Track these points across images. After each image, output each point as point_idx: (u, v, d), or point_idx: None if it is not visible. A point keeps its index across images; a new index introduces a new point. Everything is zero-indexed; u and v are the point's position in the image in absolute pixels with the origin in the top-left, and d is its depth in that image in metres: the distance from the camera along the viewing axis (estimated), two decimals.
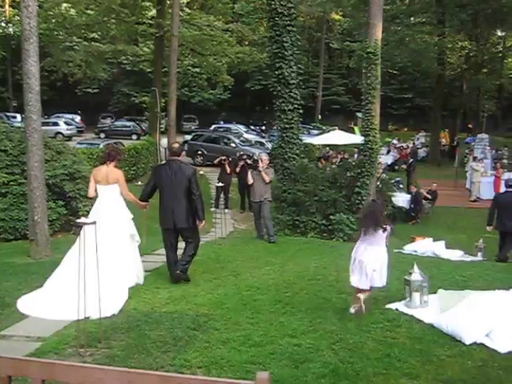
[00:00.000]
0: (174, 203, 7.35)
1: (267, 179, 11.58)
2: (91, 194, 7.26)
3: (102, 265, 5.53)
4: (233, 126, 38.49)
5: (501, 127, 51.57)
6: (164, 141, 20.44)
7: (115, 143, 23.64)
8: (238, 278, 7.87)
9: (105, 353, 5.01)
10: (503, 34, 46.43)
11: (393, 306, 6.30)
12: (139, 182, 12.13)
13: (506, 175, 23.34)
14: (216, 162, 17.15)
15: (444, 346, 5.08)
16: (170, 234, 7.58)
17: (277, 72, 14.10)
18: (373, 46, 13.63)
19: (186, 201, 7.38)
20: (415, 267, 6.27)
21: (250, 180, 11.69)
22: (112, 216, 7.00)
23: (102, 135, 36.68)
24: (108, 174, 7.11)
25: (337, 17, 52.06)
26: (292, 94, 14.31)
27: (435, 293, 6.58)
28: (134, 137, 35.99)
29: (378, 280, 6.11)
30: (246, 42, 38.01)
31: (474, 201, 22.19)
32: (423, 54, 32.61)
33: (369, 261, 6.06)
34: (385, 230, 6.10)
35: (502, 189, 21.63)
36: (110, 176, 7.10)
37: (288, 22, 13.76)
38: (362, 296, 5.97)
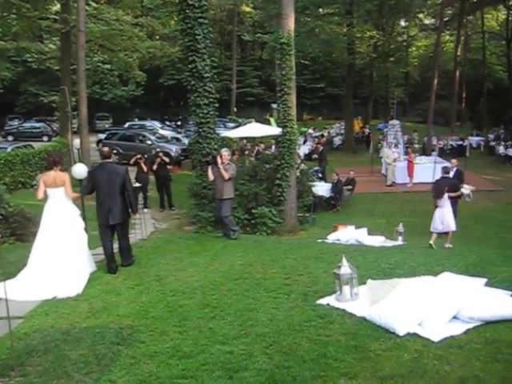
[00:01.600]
0: (110, 202, 8.25)
1: (226, 176, 11.23)
2: (40, 196, 8.01)
3: (63, 252, 7.58)
4: (148, 123, 37.53)
5: (409, 113, 53.65)
6: (77, 141, 19.48)
7: (24, 146, 22.43)
8: (162, 283, 7.51)
9: (19, 382, 4.55)
10: (406, 23, 48.31)
11: (324, 301, 6.18)
12: None
13: (418, 159, 24.27)
14: (132, 161, 16.52)
15: (379, 340, 4.98)
16: (107, 229, 8.41)
17: (190, 66, 13.70)
18: (286, 36, 13.55)
19: (121, 198, 8.30)
20: (343, 260, 6.16)
21: (211, 177, 11.53)
22: (65, 213, 8.00)
23: (10, 138, 34.76)
24: (55, 177, 8.00)
25: (247, 9, 52.03)
26: (206, 87, 13.97)
27: (364, 283, 6.54)
28: (45, 138, 34.33)
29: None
30: (157, 37, 37.13)
31: (390, 185, 22.81)
32: (334, 44, 33.21)
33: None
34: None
35: (416, 172, 22.60)
36: (58, 179, 7.98)
37: (199, 15, 13.37)
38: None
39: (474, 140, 34.11)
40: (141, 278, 7.85)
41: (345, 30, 32.56)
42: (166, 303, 6.53)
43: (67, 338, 5.47)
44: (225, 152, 11.75)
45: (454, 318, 5.28)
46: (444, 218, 11.69)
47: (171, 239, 11.75)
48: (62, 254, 7.60)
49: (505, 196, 21.17)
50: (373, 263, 8.20)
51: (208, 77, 13.90)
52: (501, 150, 31.27)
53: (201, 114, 14.01)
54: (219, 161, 11.35)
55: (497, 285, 6.21)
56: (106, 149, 9.10)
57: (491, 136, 37.22)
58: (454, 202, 13.47)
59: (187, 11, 13.35)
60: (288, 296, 6.52)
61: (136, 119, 42.07)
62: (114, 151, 25.13)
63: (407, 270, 7.48)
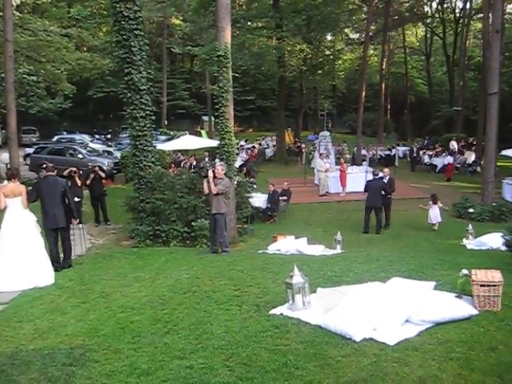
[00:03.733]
0: (54, 208, 9.69)
1: (214, 190, 11.14)
2: (2, 206, 9.09)
3: (26, 251, 8.82)
4: (77, 136, 36.54)
5: (336, 124, 55.07)
6: (5, 156, 18.69)
7: None
8: (109, 299, 7.32)
9: None
10: (333, 38, 49.75)
11: (277, 310, 6.21)
12: None
13: (350, 169, 24.89)
14: (65, 173, 15.96)
15: (337, 347, 5.05)
16: (52, 232, 9.78)
17: (126, 78, 13.49)
18: (223, 48, 13.60)
19: (63, 206, 9.78)
20: (295, 269, 6.22)
21: (205, 190, 11.52)
22: (24, 219, 9.12)
23: None
24: (13, 189, 9.18)
25: (177, 21, 51.92)
26: (143, 100, 13.79)
27: (315, 292, 6.62)
28: None
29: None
30: (85, 48, 36.36)
31: (323, 195, 23.23)
32: (264, 57, 33.65)
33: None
34: None
35: (349, 181, 23.19)
36: (16, 191, 9.16)
37: (135, 26, 13.21)
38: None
39: (400, 150, 35.35)
40: (85, 295, 7.62)
41: (275, 44, 33.05)
42: (115, 320, 6.36)
43: (14, 361, 5.22)
44: (219, 166, 11.67)
45: (407, 321, 5.44)
46: None
47: (111, 254, 11.49)
48: (25, 253, 8.82)
49: None
50: (318, 272, 8.30)
51: (144, 89, 13.74)
52: (426, 159, 32.59)
53: (137, 127, 13.82)
54: (210, 174, 11.25)
55: (441, 288, 6.45)
56: (50, 164, 10.64)
57: (416, 145, 38.75)
58: (387, 205, 16.89)
59: (122, 22, 13.16)
60: (240, 307, 6.50)
61: (64, 132, 40.85)
62: (44, 165, 24.37)
63: (353, 277, 7.64)
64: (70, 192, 10.03)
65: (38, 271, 8.70)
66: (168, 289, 7.69)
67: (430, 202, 17.09)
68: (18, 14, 26.89)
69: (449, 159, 30.05)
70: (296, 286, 6.11)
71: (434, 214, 16.86)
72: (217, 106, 14.29)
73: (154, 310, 6.69)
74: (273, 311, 6.23)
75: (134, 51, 13.34)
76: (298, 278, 6.14)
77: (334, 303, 5.98)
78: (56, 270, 9.21)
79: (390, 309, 5.48)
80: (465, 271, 6.13)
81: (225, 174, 11.74)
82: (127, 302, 7.12)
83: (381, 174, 17.53)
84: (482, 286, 5.72)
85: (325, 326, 5.53)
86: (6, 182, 9.88)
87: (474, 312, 5.60)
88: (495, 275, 5.88)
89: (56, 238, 9.87)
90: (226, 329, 5.78)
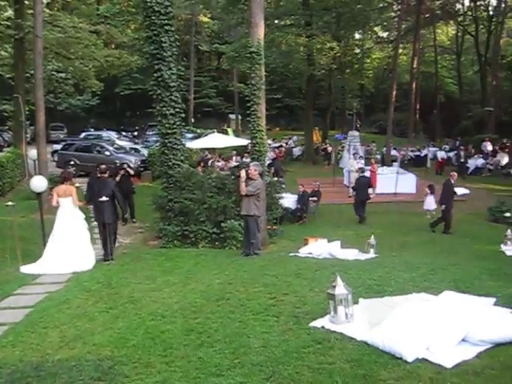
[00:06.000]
0: (104, 206, 10.84)
1: (243, 191, 10.75)
2: (54, 203, 10.56)
3: (74, 240, 10.29)
4: (104, 133, 36.48)
5: (364, 124, 54.34)
6: (33, 152, 18.56)
7: None
8: (138, 305, 6.98)
9: None
10: (362, 36, 49.06)
11: (317, 323, 5.79)
12: (9, 203, 10.68)
13: (380, 169, 24.31)
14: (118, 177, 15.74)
15: (386, 367, 4.61)
16: (101, 227, 11.07)
17: (156, 74, 13.20)
18: (256, 45, 13.18)
19: (112, 204, 11.15)
20: (338, 279, 5.79)
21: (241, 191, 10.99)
22: (73, 216, 10.55)
23: None
24: (65, 190, 10.55)
25: (205, 19, 51.72)
26: (173, 97, 13.49)
27: (357, 303, 6.19)
28: None
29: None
30: (113, 45, 36.34)
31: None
32: (293, 55, 33.20)
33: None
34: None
35: (378, 183, 22.64)
36: (67, 191, 10.53)
37: (166, 22, 12.90)
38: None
39: (431, 151, 34.54)
40: (114, 300, 7.30)
41: (304, 41, 32.56)
42: (145, 329, 6.01)
43: (40, 373, 4.90)
44: (252, 167, 11.23)
45: (463, 340, 4.97)
46: None
47: (139, 255, 11.22)
48: (72, 243, 10.23)
49: (466, 206, 21.38)
50: (357, 280, 7.85)
51: (174, 86, 13.45)
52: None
53: (167, 125, 13.52)
54: (243, 174, 10.87)
55: (501, 303, 5.95)
56: (103, 166, 11.77)
57: (447, 147, 37.93)
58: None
59: (153, 17, 12.86)
60: (277, 318, 6.09)
61: (92, 129, 40.91)
62: (71, 162, 24.35)
63: (396, 287, 7.19)
64: (117, 192, 11.54)
65: (81, 259, 10.12)
66: (200, 295, 7.32)
67: (429, 191, 18.46)
68: (47, 10, 26.84)
69: (481, 161, 29.28)
70: (339, 298, 5.69)
71: (429, 202, 18.37)
72: (248, 104, 13.86)
73: (185, 318, 6.32)
74: (313, 323, 5.81)
75: (164, 47, 13.04)
76: (341, 289, 5.71)
77: (379, 316, 5.55)
78: (105, 260, 10.76)
79: (445, 326, 5.01)
80: None
81: (260, 175, 11.33)
82: (157, 308, 6.77)
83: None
84: None
85: (372, 343, 5.09)
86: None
87: None
88: None
89: (105, 231, 11.02)
90: (264, 342, 5.38)
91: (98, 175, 11.80)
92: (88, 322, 6.39)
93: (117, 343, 5.60)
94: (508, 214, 18.12)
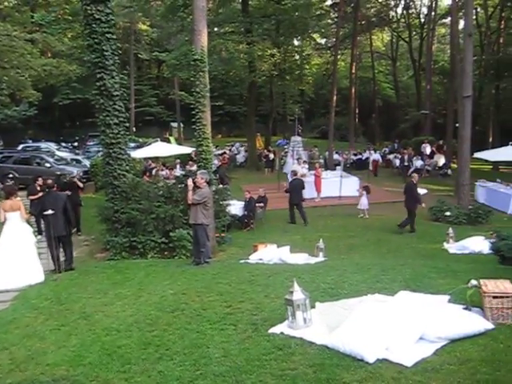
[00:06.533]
0: (56, 219, 10.93)
1: (189, 200, 10.84)
2: (2, 219, 10.40)
3: (21, 254, 10.10)
4: (43, 145, 35.26)
5: (305, 129, 55.07)
6: None
7: None
8: (91, 321, 6.79)
9: None
10: (301, 43, 49.81)
11: (276, 329, 5.79)
12: None
13: (324, 174, 24.65)
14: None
15: (349, 370, 4.66)
16: (55, 240, 10.84)
17: (98, 83, 12.90)
18: (199, 52, 13.13)
19: (64, 217, 11.24)
20: (295, 285, 5.81)
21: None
22: (21, 230, 10.45)
23: None
24: (12, 205, 10.48)
25: (144, 27, 51.15)
26: (116, 106, 13.23)
27: (313, 307, 6.23)
28: None
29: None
30: (49, 54, 35.35)
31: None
32: (234, 61, 33.30)
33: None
34: None
35: (323, 187, 22.96)
36: (14, 206, 10.47)
37: (107, 30, 12.64)
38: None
39: (373, 154, 35.34)
40: (65, 316, 7.07)
41: (245, 48, 32.73)
42: (101, 345, 5.85)
43: None
44: (199, 175, 11.23)
45: (421, 338, 5.09)
46: None
47: (87, 269, 10.91)
48: (20, 257, 10.07)
49: None
50: (311, 284, 7.91)
51: (117, 95, 13.19)
52: (397, 162, 32.64)
53: (111, 135, 13.23)
54: (189, 183, 10.92)
55: (454, 300, 6.12)
56: (50, 181, 12.29)
57: (387, 149, 38.95)
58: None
59: (94, 26, 12.57)
60: (235, 327, 6.06)
61: (30, 141, 39.53)
62: (10, 175, 23.47)
63: (350, 289, 7.29)
64: (69, 204, 11.63)
65: (30, 272, 10.01)
66: (154, 307, 7.20)
67: (364, 192, 19.54)
68: None
69: (420, 162, 30.19)
70: (297, 303, 5.71)
71: (364, 201, 19.50)
72: (193, 112, 13.78)
73: (141, 331, 6.19)
74: (272, 330, 5.81)
75: (106, 55, 12.77)
76: (298, 295, 5.74)
77: (337, 320, 5.62)
78: (59, 272, 10.65)
79: (403, 325, 5.11)
80: (474, 282, 5.83)
81: (207, 183, 11.29)
82: (111, 323, 6.60)
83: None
84: (494, 297, 5.41)
85: (332, 347, 5.13)
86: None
87: (490, 326, 5.27)
88: (506, 286, 5.59)
89: (57, 244, 11.04)
90: (224, 352, 5.33)
91: (47, 189, 11.96)
92: (39, 341, 6.14)
93: (72, 362, 5.41)
94: (448, 213, 18.70)
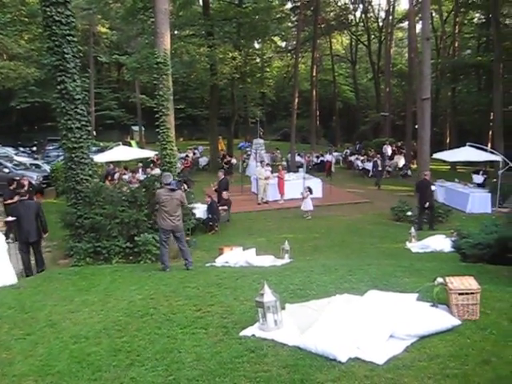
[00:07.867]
0: (28, 226, 11.49)
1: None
2: None
3: None
4: (0, 150, 34.57)
5: (267, 132, 55.34)
6: None
7: None
8: (58, 329, 6.65)
9: None
10: (262, 45, 50.00)
11: (248, 332, 5.79)
12: None
13: (287, 176, 24.81)
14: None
15: (322, 370, 4.69)
16: (26, 246, 11.57)
17: (59, 87, 12.66)
18: (162, 55, 13.06)
19: (36, 223, 11.70)
20: (265, 287, 5.82)
21: None
22: None
23: None
24: None
25: (103, 29, 50.46)
26: (78, 110, 13.01)
27: (283, 308, 6.26)
28: None
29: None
30: (5, 57, 34.49)
31: (264, 203, 22.96)
32: (195, 64, 33.21)
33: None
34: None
35: (286, 189, 23.09)
36: None
37: (67, 32, 12.41)
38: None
39: (334, 156, 35.78)
40: (30, 325, 6.90)
41: (206, 51, 32.68)
42: (69, 353, 5.74)
43: None
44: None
45: (391, 336, 5.17)
46: None
47: (51, 276, 10.66)
48: None
49: (370, 207, 22.31)
50: (279, 285, 7.93)
51: (79, 98, 12.99)
52: (359, 164, 33.14)
53: (73, 139, 13.00)
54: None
55: (421, 298, 6.23)
56: (22, 191, 13.16)
57: (348, 151, 39.45)
58: None
59: (54, 28, 12.33)
60: (206, 330, 6.04)
61: None
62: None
63: (318, 290, 7.34)
64: (41, 211, 11.97)
65: (4, 274, 10.03)
66: (122, 313, 7.11)
67: (308, 193, 19.89)
68: None
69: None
70: (267, 305, 5.73)
71: (308, 203, 19.76)
72: (157, 115, 13.68)
73: (111, 338, 6.10)
74: (243, 333, 5.81)
75: (67, 58, 12.55)
76: (269, 296, 5.75)
77: (307, 321, 5.66)
78: (27, 276, 11.07)
79: (373, 324, 5.19)
80: (440, 279, 5.96)
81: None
82: (79, 330, 6.48)
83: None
84: (460, 294, 5.55)
85: (304, 347, 5.17)
86: None
87: (457, 322, 5.40)
88: (471, 282, 5.73)
89: (28, 250, 11.62)
90: (196, 356, 5.30)
91: (20, 198, 12.22)
92: (4, 351, 5.98)
93: (40, 371, 5.29)
94: (409, 213, 19.07)
